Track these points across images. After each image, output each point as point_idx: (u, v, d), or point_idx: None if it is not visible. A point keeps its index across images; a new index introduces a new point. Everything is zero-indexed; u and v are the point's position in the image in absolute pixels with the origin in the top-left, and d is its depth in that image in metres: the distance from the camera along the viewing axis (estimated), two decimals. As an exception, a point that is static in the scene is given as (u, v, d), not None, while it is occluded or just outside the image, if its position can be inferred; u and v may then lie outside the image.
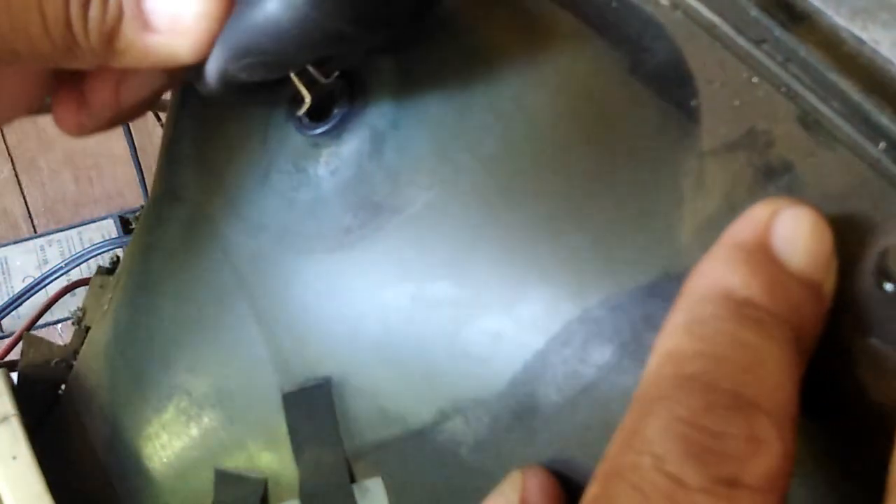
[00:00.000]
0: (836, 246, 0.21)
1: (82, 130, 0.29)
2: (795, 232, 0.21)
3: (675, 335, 0.21)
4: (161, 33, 0.25)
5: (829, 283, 0.21)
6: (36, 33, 0.24)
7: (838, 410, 0.22)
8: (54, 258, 0.84)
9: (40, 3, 0.24)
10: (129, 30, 0.25)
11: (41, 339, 0.36)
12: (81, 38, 0.25)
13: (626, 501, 0.19)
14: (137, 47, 0.25)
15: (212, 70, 0.26)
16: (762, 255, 0.21)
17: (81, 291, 0.74)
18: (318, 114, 0.29)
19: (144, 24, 0.25)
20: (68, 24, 0.24)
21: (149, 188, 0.89)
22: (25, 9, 0.24)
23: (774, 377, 0.20)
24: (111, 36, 0.25)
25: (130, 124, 0.91)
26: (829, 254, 0.21)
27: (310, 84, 0.28)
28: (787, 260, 0.21)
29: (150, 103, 0.30)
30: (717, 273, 0.21)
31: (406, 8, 0.25)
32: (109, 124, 0.29)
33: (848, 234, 0.22)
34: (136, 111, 0.30)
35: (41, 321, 0.74)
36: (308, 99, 0.28)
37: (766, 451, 0.19)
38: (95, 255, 0.74)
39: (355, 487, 0.28)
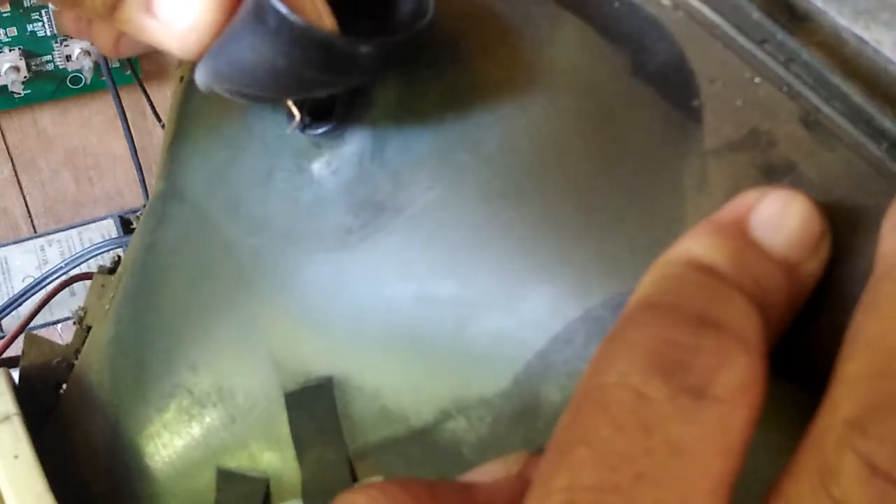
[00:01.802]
0: (825, 231, 0.22)
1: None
2: (775, 212, 0.21)
3: (639, 290, 0.21)
4: (159, 21, 0.25)
5: (810, 265, 0.21)
6: None
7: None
8: (54, 258, 0.84)
9: None
10: (131, 5, 0.25)
11: (42, 339, 0.36)
12: None
13: (592, 421, 0.19)
14: (136, 24, 0.26)
15: (199, 79, 0.26)
16: (733, 230, 0.22)
17: (81, 292, 0.74)
18: (320, 114, 0.29)
19: (147, 6, 0.25)
20: None
21: (149, 188, 0.89)
22: None
23: (741, 310, 0.20)
24: (114, 5, 0.25)
25: (130, 124, 0.91)
26: (812, 236, 0.21)
27: (302, 102, 0.28)
28: (761, 237, 0.21)
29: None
30: (686, 243, 0.22)
31: (376, 56, 0.25)
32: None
33: (849, 234, 0.22)
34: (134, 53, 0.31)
35: (41, 321, 0.74)
36: (298, 118, 0.28)
37: (733, 363, 0.19)
38: (95, 255, 0.74)
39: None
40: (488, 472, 0.24)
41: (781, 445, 0.21)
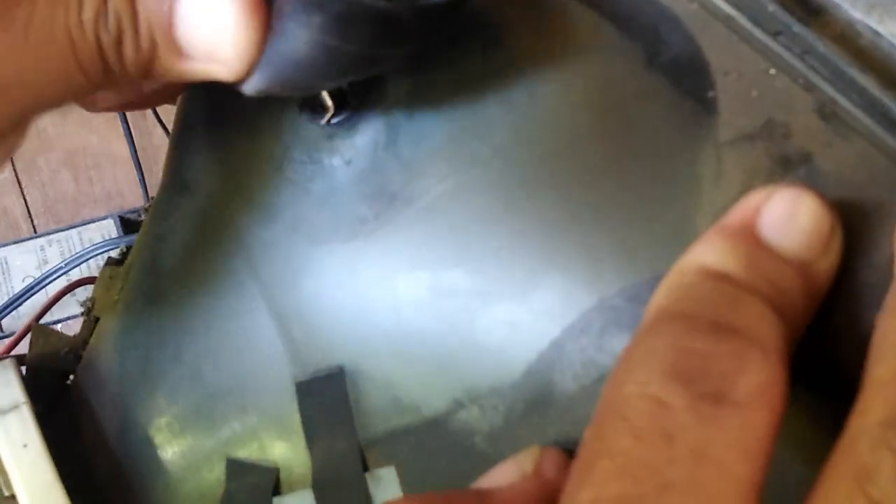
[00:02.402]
0: (835, 226, 0.21)
1: (104, 109, 0.30)
2: (784, 212, 0.21)
3: (654, 300, 0.22)
4: (198, 60, 0.25)
5: (823, 263, 0.21)
6: (74, 77, 0.24)
7: (849, 391, 0.22)
8: (54, 258, 0.84)
9: (75, 52, 0.24)
10: (164, 59, 0.25)
11: (50, 330, 0.36)
12: (118, 71, 0.25)
13: (613, 433, 0.19)
14: (175, 71, 0.25)
15: (251, 89, 0.26)
16: (744, 234, 0.22)
17: (81, 292, 0.73)
18: (333, 104, 0.29)
19: (180, 53, 0.25)
20: (105, 63, 0.24)
21: (149, 188, 0.89)
22: (61, 59, 0.24)
23: (756, 313, 0.20)
24: (148, 66, 0.25)
25: (130, 124, 0.91)
26: (822, 234, 0.21)
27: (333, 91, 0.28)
28: (772, 239, 0.21)
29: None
30: (698, 252, 0.22)
31: (426, 25, 0.25)
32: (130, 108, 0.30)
33: (865, 224, 0.22)
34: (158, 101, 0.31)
35: (41, 321, 0.73)
36: (332, 109, 0.28)
37: (751, 367, 0.19)
38: (95, 255, 0.74)
39: (368, 476, 0.28)
40: (503, 475, 0.24)
41: (799, 443, 0.21)
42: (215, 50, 0.25)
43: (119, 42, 0.24)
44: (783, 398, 0.19)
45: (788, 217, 0.21)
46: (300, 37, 0.24)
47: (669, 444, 0.18)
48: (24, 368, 0.35)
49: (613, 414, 0.19)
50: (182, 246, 0.33)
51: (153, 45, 0.24)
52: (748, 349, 0.19)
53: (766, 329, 0.20)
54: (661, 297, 0.21)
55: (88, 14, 0.23)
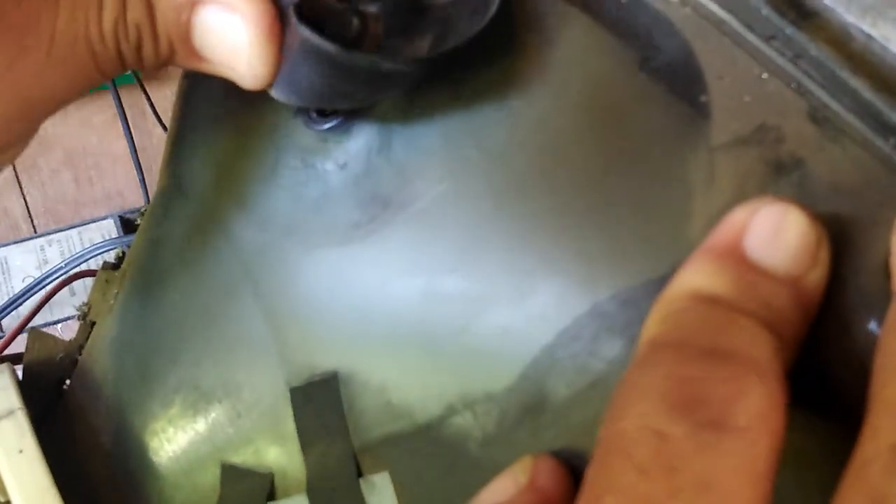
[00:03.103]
0: (822, 237, 0.21)
1: None
2: (769, 229, 0.21)
3: (647, 330, 0.21)
4: (215, 64, 0.26)
5: (813, 276, 0.21)
6: (92, 80, 0.25)
7: (844, 404, 0.22)
8: (54, 258, 0.84)
9: (95, 61, 0.24)
10: (183, 59, 0.26)
11: (46, 335, 0.36)
12: (135, 67, 0.26)
13: (616, 469, 0.19)
14: (193, 67, 0.26)
15: (276, 96, 0.27)
16: (731, 254, 0.21)
17: (81, 292, 0.74)
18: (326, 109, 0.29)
19: (198, 57, 0.25)
20: (123, 64, 0.25)
21: (149, 188, 0.89)
22: (82, 68, 0.25)
23: (750, 335, 0.20)
24: (165, 65, 0.26)
25: (130, 124, 0.91)
26: (810, 247, 0.21)
27: None
28: (759, 256, 0.21)
29: None
30: (687, 276, 0.21)
31: (428, 71, 0.26)
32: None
33: (857, 229, 0.22)
34: None
35: (41, 321, 0.73)
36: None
37: (750, 391, 0.19)
38: (95, 255, 0.74)
39: (362, 482, 0.28)
40: (499, 491, 0.24)
41: (798, 463, 0.21)
42: (231, 62, 0.25)
43: (138, 48, 0.25)
44: (783, 419, 0.19)
45: (775, 233, 0.21)
46: (308, 75, 0.25)
47: (673, 476, 0.18)
48: (19, 370, 0.35)
49: (615, 449, 0.19)
50: (178, 250, 0.33)
51: (171, 49, 0.25)
52: (745, 373, 0.19)
53: (761, 350, 0.20)
54: (652, 326, 0.21)
55: (108, 26, 0.24)
